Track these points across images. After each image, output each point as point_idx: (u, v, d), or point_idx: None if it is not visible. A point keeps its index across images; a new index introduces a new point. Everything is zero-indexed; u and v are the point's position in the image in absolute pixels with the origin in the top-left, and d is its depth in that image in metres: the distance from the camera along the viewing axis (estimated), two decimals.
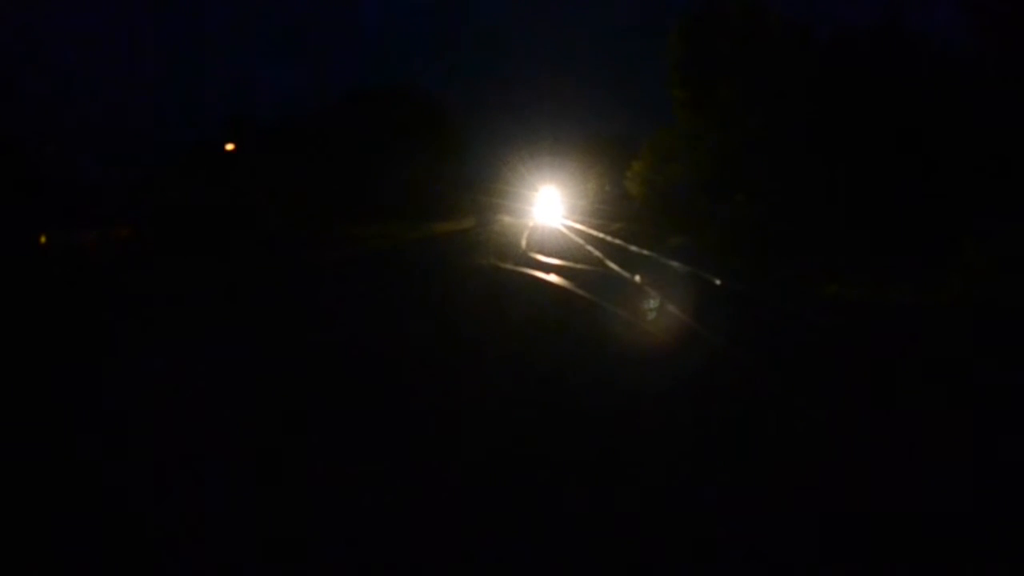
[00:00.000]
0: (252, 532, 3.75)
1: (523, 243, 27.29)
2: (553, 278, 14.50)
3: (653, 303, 10.79)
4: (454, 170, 60.82)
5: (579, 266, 17.23)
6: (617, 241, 28.74)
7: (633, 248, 23.96)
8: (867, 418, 5.38)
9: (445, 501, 4.07)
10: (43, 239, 23.47)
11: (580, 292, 12.29)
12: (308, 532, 3.72)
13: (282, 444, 5.07)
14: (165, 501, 4.15)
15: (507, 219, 59.40)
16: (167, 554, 3.55)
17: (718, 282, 13.76)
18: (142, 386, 6.85)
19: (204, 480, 4.44)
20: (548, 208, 63.46)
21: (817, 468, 4.43)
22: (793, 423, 5.30)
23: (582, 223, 48.42)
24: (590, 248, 23.98)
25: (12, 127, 28.92)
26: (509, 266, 17.58)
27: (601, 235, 33.94)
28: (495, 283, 14.71)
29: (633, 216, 42.38)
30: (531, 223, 51.93)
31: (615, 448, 4.83)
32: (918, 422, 5.22)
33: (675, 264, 17.43)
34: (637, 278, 14.39)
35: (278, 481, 4.39)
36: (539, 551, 3.49)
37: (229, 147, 37.82)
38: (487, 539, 3.63)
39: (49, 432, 5.50)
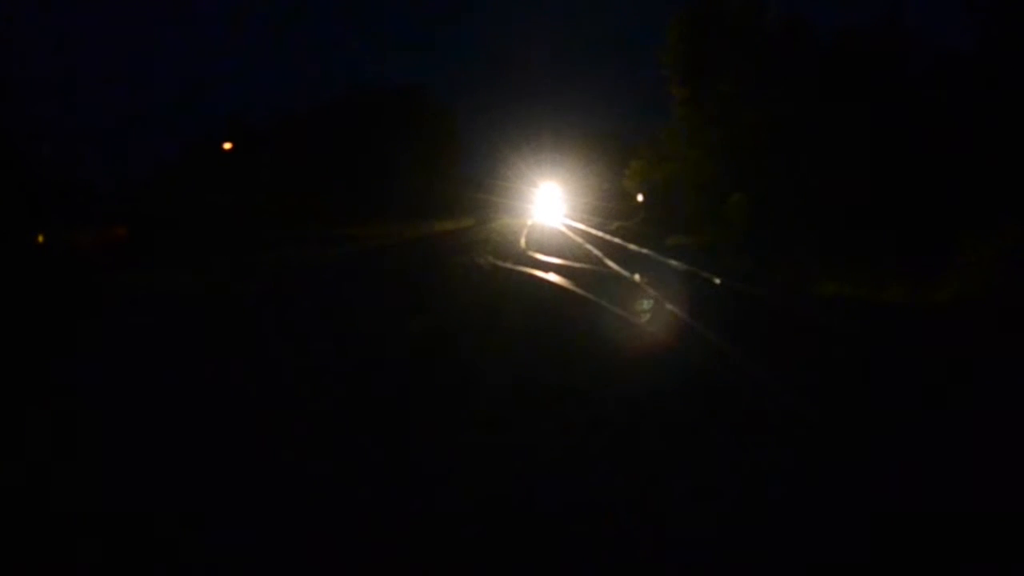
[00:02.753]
0: None
1: (522, 241, 27.25)
2: (552, 277, 14.45)
3: (651, 303, 10.78)
4: (453, 168, 60.86)
5: (578, 265, 17.20)
6: (616, 240, 28.75)
7: (632, 247, 23.96)
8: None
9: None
10: (40, 238, 23.45)
11: (579, 291, 12.25)
12: None
13: (258, 446, 5.08)
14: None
15: (506, 218, 59.29)
16: None
17: (717, 281, 13.76)
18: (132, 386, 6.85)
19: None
20: (547, 206, 63.48)
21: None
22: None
23: (581, 221, 48.45)
24: (589, 247, 23.96)
25: (10, 126, 28.88)
26: (508, 265, 17.54)
27: (600, 233, 33.95)
28: (493, 282, 14.67)
29: (632, 214, 42.44)
30: (530, 221, 51.85)
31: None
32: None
33: (674, 263, 17.43)
34: (636, 277, 14.38)
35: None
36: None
37: (227, 146, 37.81)
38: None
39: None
